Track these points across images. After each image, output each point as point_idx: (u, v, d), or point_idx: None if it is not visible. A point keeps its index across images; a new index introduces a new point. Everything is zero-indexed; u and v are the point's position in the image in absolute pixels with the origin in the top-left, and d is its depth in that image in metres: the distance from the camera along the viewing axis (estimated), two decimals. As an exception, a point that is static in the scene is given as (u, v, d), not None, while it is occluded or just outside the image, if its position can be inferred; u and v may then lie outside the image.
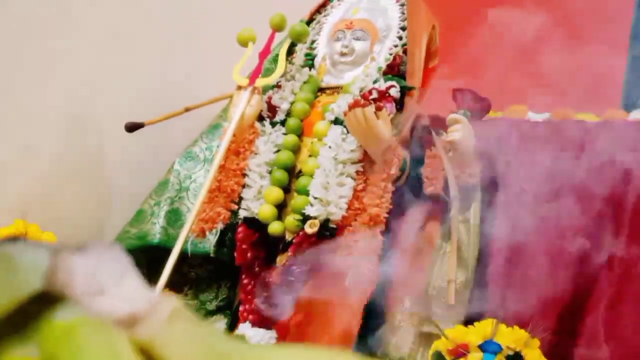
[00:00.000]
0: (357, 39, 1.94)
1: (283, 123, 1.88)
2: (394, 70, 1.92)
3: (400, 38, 1.96)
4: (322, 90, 1.95)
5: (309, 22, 2.05)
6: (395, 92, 1.85)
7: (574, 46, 2.14)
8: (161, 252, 1.84)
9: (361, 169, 1.79)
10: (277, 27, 1.92)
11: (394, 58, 1.93)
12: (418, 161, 1.84)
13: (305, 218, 1.75)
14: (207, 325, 0.43)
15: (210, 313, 1.93)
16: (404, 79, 1.90)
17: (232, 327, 1.82)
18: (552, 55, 2.17)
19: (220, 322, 1.88)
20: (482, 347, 1.54)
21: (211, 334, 0.43)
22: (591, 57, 2.16)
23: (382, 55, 1.94)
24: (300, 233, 1.76)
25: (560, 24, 2.26)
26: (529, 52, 2.24)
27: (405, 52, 1.93)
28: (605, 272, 1.79)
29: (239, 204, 1.82)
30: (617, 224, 1.81)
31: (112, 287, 0.40)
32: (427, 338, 1.74)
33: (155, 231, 1.93)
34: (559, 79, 2.15)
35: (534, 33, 2.24)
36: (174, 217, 1.95)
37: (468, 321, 1.69)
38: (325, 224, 1.75)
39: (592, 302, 1.77)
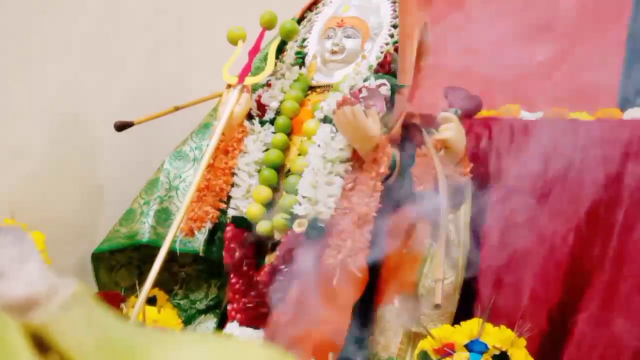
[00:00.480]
0: (348, 36, 1.93)
1: (272, 122, 1.87)
2: (385, 68, 1.91)
3: (391, 36, 1.94)
4: (312, 88, 1.94)
5: (300, 20, 2.04)
6: (385, 90, 1.84)
7: (570, 45, 2.12)
8: (151, 251, 1.83)
9: (350, 168, 1.78)
10: (268, 25, 1.91)
11: (385, 56, 1.91)
12: (408, 160, 1.83)
13: (294, 217, 1.74)
14: (108, 312, 0.42)
15: (200, 312, 1.92)
16: (395, 77, 1.89)
17: (221, 326, 1.82)
18: (548, 54, 2.15)
19: (210, 321, 1.88)
20: (469, 347, 1.52)
21: (111, 321, 0.42)
22: (587, 56, 2.14)
23: (373, 53, 1.92)
24: (289, 232, 1.75)
25: (557, 23, 2.24)
26: (525, 51, 2.22)
27: (396, 50, 1.92)
28: (597, 271, 1.77)
29: (227, 203, 1.81)
30: (609, 223, 1.79)
31: (12, 270, 0.39)
32: (415, 338, 1.72)
33: (144, 230, 1.93)
34: (555, 78, 2.13)
35: (529, 31, 2.22)
36: (164, 216, 1.95)
37: (457, 321, 1.67)
38: (313, 223, 1.74)
39: (584, 302, 1.75)
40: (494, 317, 1.63)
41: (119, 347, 0.42)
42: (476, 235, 1.84)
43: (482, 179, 1.88)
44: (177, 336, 0.47)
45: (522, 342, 1.54)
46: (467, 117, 1.92)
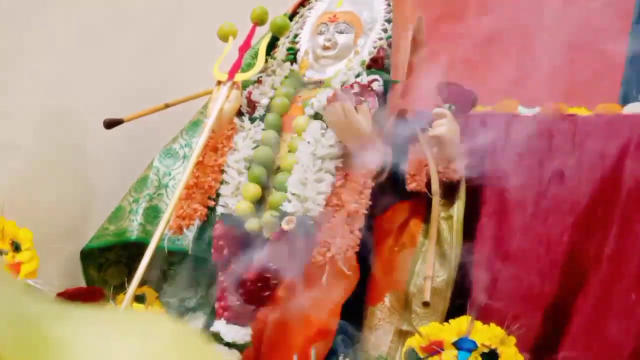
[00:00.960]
0: (341, 32, 1.90)
1: (262, 119, 1.85)
2: (378, 63, 1.88)
3: (385, 31, 1.92)
4: (304, 85, 1.91)
5: (292, 16, 2.02)
6: (378, 86, 1.81)
7: (573, 40, 2.08)
8: (140, 249, 1.82)
9: (340, 165, 1.75)
10: (258, 21, 1.89)
11: (378, 51, 1.88)
12: (400, 157, 1.80)
13: (283, 214, 1.72)
14: (21, 284, 0.40)
15: (189, 310, 1.90)
16: (388, 72, 1.86)
17: (210, 323, 1.79)
18: (550, 49, 2.11)
19: (199, 319, 1.86)
20: (457, 345, 1.48)
21: (19, 295, 0.40)
22: (590, 52, 2.10)
23: (366, 49, 1.89)
24: (278, 230, 1.72)
25: (560, 17, 2.20)
26: (526, 44, 2.19)
27: (390, 45, 1.89)
28: (594, 269, 1.72)
29: (216, 200, 1.79)
30: (606, 220, 1.74)
31: None
32: (406, 336, 1.69)
33: (133, 228, 1.92)
34: (557, 74, 2.09)
35: (530, 24, 2.18)
36: (153, 214, 1.93)
37: (449, 319, 1.64)
38: (302, 220, 1.71)
39: (580, 300, 1.71)
40: (487, 316, 1.59)
41: (26, 321, 0.40)
42: (470, 233, 1.80)
43: (476, 175, 1.84)
44: (89, 313, 0.45)
45: (512, 340, 1.50)
46: (461, 113, 1.89)
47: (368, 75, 1.83)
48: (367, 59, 1.87)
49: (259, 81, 1.91)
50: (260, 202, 1.78)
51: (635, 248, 1.71)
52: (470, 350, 1.47)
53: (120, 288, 1.85)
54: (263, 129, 1.84)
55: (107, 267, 2.00)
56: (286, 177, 1.75)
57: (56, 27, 1.96)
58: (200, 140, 1.74)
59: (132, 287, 1.57)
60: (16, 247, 1.75)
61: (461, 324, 1.51)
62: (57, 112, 1.99)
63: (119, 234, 1.93)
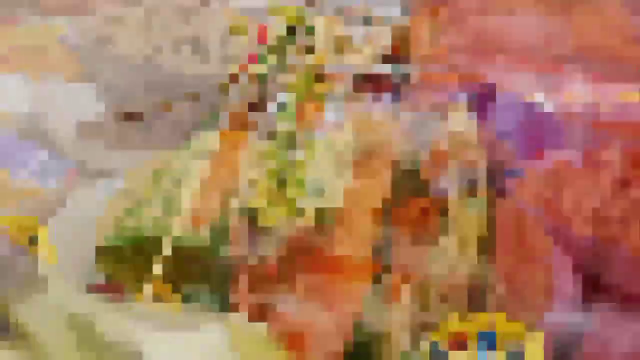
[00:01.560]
0: (357, 23, 1.91)
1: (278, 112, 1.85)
2: (395, 54, 1.89)
3: (401, 20, 1.92)
4: (321, 78, 1.92)
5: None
6: (394, 76, 1.82)
7: (595, 26, 2.06)
8: (156, 244, 1.82)
9: (358, 158, 1.76)
10: (273, 13, 1.90)
11: (395, 41, 1.89)
12: (419, 148, 1.80)
13: (300, 209, 1.72)
14: (69, 289, 0.39)
15: (206, 306, 1.91)
16: (406, 62, 1.87)
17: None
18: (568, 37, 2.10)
19: (216, 314, 1.86)
20: (480, 339, 1.47)
21: (73, 298, 0.38)
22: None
23: (382, 39, 1.90)
24: (295, 225, 1.73)
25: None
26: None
27: (407, 34, 1.90)
28: (616, 262, 1.71)
29: (233, 195, 1.80)
30: (629, 217, 1.73)
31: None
32: (426, 330, 1.68)
33: (149, 223, 1.92)
34: (580, 63, 2.07)
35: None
36: (169, 209, 1.93)
37: (471, 313, 1.63)
38: (320, 215, 1.72)
39: (603, 296, 1.69)
40: (509, 309, 1.59)
41: (83, 325, 0.38)
42: (491, 224, 1.79)
43: (496, 166, 1.83)
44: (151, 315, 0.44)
45: (537, 334, 1.49)
46: (481, 102, 1.88)
47: (385, 65, 1.84)
48: (383, 49, 1.88)
49: (274, 75, 1.91)
50: (277, 197, 1.79)
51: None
52: (494, 345, 1.46)
53: (137, 284, 1.85)
54: (279, 123, 1.84)
55: (123, 262, 2.00)
56: (303, 172, 1.75)
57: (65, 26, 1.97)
58: (216, 135, 1.75)
59: (150, 283, 1.57)
60: (34, 243, 1.75)
61: (484, 318, 1.50)
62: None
63: (135, 229, 1.93)
